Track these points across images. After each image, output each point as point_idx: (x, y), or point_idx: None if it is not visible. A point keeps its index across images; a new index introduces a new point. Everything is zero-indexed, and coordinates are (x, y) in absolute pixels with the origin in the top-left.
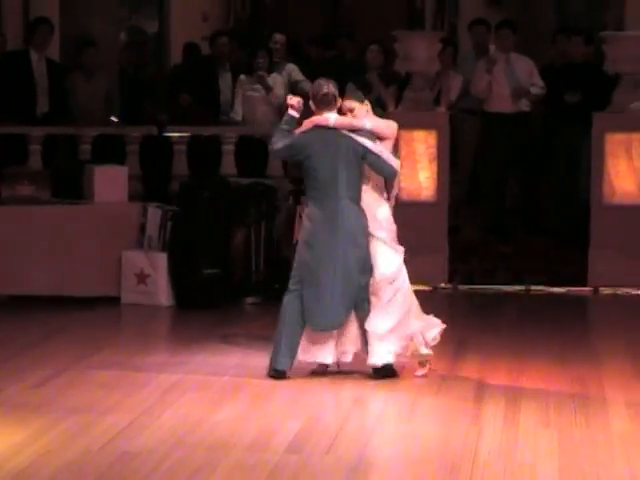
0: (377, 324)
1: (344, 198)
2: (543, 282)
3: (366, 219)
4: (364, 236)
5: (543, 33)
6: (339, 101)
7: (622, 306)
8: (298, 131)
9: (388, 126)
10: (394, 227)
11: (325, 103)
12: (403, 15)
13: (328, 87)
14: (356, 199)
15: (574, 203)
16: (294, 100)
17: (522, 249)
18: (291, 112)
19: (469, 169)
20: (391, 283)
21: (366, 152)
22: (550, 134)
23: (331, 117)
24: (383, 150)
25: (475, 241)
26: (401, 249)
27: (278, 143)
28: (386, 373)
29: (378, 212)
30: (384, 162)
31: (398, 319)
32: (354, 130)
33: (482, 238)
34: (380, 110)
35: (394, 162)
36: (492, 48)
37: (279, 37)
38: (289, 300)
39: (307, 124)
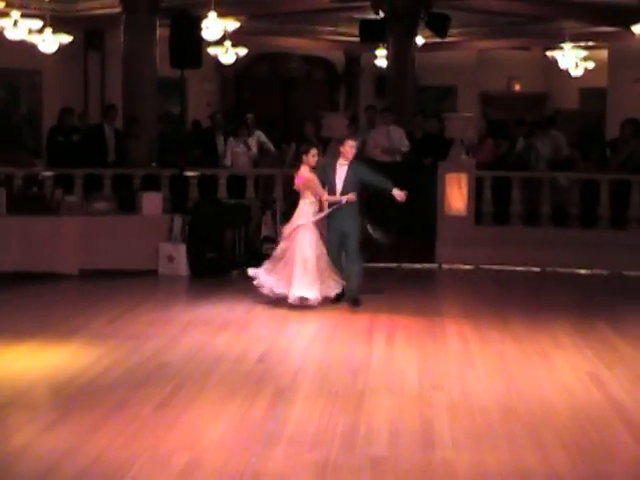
0: None
1: None
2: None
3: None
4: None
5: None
6: (304, 157)
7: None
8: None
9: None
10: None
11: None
12: (327, 102)
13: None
14: None
15: (430, 214)
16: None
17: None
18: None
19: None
20: None
21: None
22: (414, 175)
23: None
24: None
25: None
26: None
27: None
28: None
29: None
30: None
31: None
32: None
33: None
34: None
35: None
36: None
37: (250, 116)
38: None
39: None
